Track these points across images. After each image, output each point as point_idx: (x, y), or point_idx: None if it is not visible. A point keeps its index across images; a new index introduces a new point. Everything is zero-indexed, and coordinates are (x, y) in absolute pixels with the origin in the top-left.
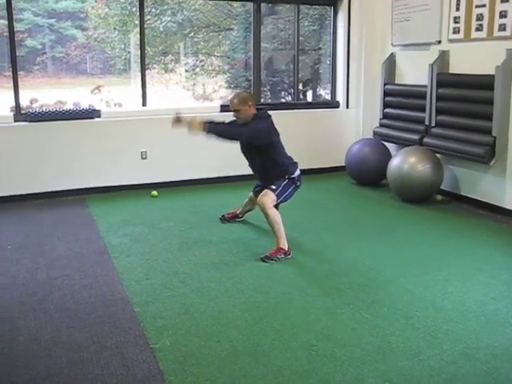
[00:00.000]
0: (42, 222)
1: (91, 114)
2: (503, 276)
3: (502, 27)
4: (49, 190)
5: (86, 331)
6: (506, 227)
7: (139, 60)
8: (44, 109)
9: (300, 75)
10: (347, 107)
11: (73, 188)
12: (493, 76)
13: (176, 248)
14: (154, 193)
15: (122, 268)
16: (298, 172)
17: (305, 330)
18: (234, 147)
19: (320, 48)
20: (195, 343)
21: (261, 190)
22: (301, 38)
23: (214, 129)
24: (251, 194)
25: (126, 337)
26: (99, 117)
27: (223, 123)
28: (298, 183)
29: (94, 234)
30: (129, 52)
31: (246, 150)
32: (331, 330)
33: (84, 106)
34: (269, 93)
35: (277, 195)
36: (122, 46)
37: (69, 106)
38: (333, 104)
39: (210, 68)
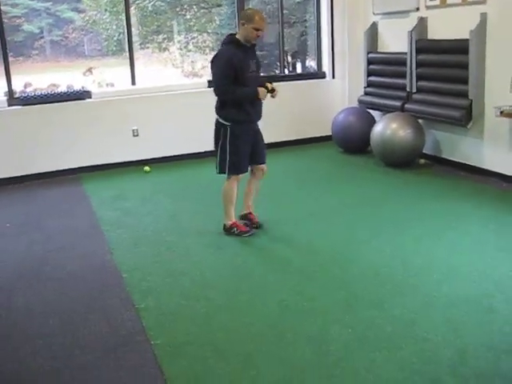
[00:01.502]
0: (38, 201)
1: (82, 95)
2: (473, 232)
3: None
4: (45, 170)
5: (76, 296)
6: (483, 186)
7: (133, 39)
8: (37, 92)
9: (287, 48)
10: (333, 77)
11: (67, 168)
12: (467, 40)
13: (165, 219)
14: (147, 168)
15: (113, 239)
16: None
17: (278, 288)
18: None
19: (305, 20)
20: (176, 303)
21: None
22: (287, 11)
23: None
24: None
25: (113, 299)
26: (90, 98)
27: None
28: None
29: (87, 209)
30: (120, 33)
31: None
32: (302, 287)
33: (76, 87)
34: None
35: None
36: (114, 28)
37: (62, 89)
38: (319, 75)
39: (204, 45)
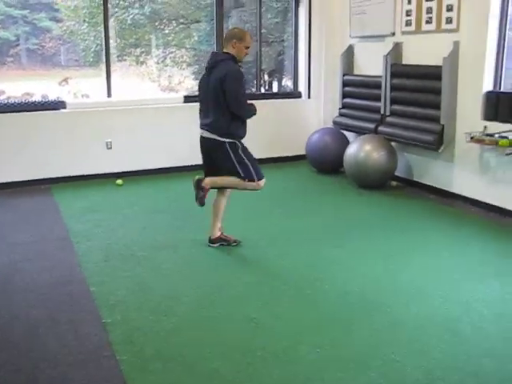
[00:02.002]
0: (7, 210)
1: (57, 105)
2: (443, 254)
3: (449, 20)
4: (15, 180)
5: (44, 309)
6: (452, 210)
7: (111, 52)
8: (10, 100)
9: (264, 66)
10: (309, 97)
11: (39, 178)
12: (441, 67)
13: (136, 232)
14: (119, 181)
15: (82, 251)
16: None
17: (249, 305)
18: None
19: (283, 40)
20: (144, 318)
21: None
22: (265, 31)
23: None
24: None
25: (80, 313)
26: (65, 108)
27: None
28: None
29: (57, 220)
30: (98, 45)
31: None
32: (273, 305)
33: (52, 97)
34: None
35: None
36: (92, 39)
37: (37, 98)
38: (295, 94)
39: (181, 60)
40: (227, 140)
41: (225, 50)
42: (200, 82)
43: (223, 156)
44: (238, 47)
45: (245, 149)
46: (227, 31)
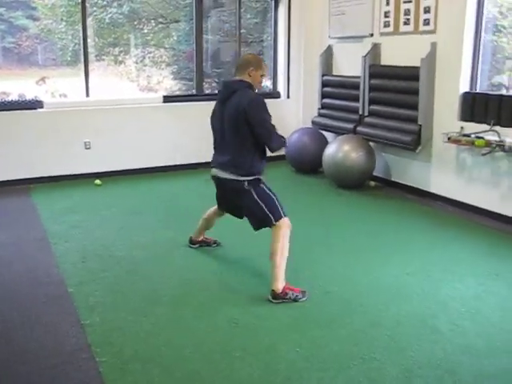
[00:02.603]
0: None
1: (34, 104)
2: (420, 253)
3: (427, 22)
4: None
5: (21, 311)
6: (430, 210)
7: (89, 51)
8: None
9: None
10: (288, 97)
11: (16, 178)
12: (418, 68)
13: (114, 233)
14: (98, 182)
15: (60, 253)
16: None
17: (228, 305)
18: (178, 136)
19: (262, 40)
20: (123, 318)
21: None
22: (244, 31)
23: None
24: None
25: (58, 315)
26: (42, 107)
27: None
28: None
29: (35, 221)
30: (76, 44)
31: None
32: (252, 305)
33: (29, 97)
34: (215, 84)
35: None
36: (70, 38)
37: (14, 97)
38: (274, 94)
39: (160, 60)
40: (247, 178)
41: (238, 78)
42: (212, 117)
43: (242, 198)
44: (254, 75)
45: (264, 184)
46: (240, 58)
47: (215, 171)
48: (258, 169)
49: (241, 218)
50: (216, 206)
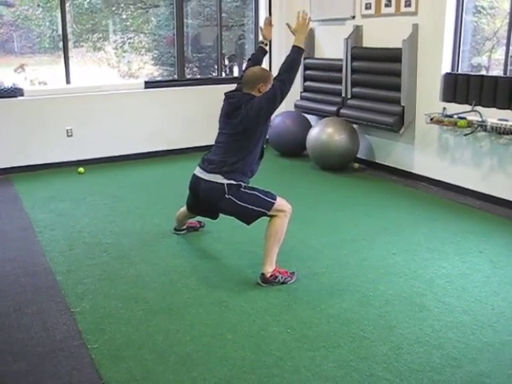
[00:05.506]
0: None
1: (14, 92)
2: (406, 233)
3: (408, 3)
4: None
5: (9, 300)
6: (414, 190)
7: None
8: None
9: (225, 51)
10: None
11: None
12: (400, 49)
13: (100, 220)
14: (81, 169)
15: (46, 241)
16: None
17: (217, 289)
18: (161, 122)
19: (243, 24)
20: (113, 305)
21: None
22: (225, 15)
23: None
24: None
25: (47, 303)
26: (22, 95)
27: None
28: None
29: (18, 210)
30: (54, 30)
31: None
32: (242, 288)
33: (7, 85)
34: (196, 68)
35: None
36: (47, 24)
37: None
38: None
39: (140, 45)
40: (231, 182)
41: (246, 91)
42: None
43: (231, 207)
44: (264, 90)
45: (244, 187)
46: (247, 73)
47: (198, 170)
48: (244, 175)
49: (215, 219)
50: (185, 208)
